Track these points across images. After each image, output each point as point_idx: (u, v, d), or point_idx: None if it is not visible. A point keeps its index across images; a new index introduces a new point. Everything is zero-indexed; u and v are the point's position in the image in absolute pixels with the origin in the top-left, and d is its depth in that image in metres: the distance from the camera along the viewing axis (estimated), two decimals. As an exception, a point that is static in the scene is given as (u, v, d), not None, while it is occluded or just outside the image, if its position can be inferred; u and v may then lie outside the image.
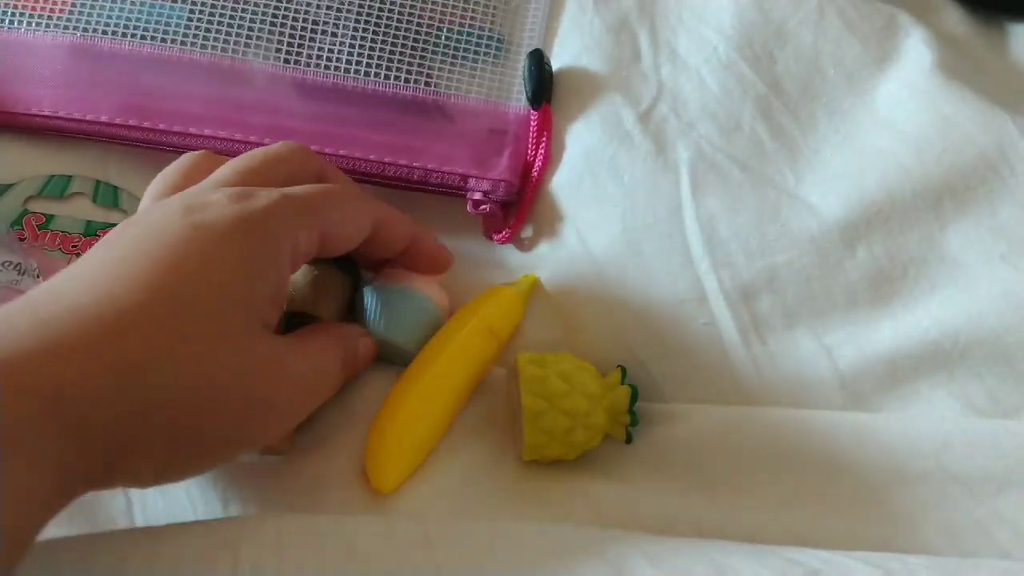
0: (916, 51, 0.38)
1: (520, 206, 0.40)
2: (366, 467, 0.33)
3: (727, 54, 0.39)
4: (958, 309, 0.34)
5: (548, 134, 0.40)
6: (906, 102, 0.37)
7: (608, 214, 0.38)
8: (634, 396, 0.34)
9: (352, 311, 0.37)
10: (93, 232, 0.40)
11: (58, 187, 0.41)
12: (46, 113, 0.40)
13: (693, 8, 0.41)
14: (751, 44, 0.39)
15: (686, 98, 0.39)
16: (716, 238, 0.36)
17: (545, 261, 0.39)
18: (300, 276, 0.36)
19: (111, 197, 0.41)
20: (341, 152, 0.40)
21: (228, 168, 0.33)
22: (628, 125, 0.38)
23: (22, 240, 0.39)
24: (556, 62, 0.41)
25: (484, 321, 0.36)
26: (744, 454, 0.34)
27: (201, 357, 0.27)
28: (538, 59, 0.40)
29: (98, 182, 0.41)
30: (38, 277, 0.38)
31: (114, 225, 0.39)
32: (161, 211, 0.30)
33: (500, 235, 0.40)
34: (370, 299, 0.36)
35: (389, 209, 0.35)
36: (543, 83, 0.40)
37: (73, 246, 0.39)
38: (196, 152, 0.34)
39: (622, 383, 0.35)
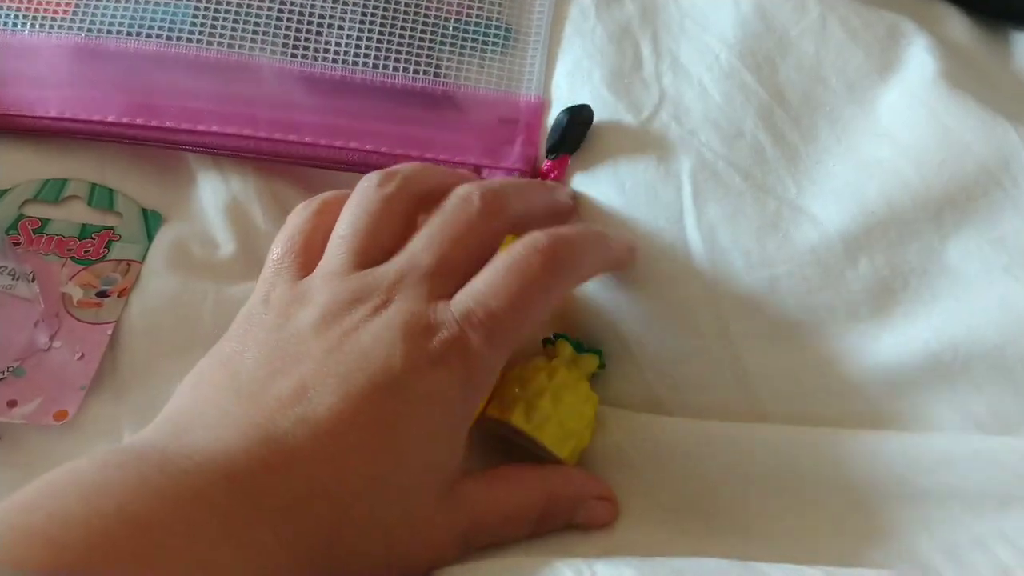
0: (919, 60, 0.38)
1: None
2: None
3: (729, 62, 0.39)
4: (959, 321, 0.34)
5: (558, 176, 0.39)
6: (907, 112, 0.37)
7: (609, 222, 0.38)
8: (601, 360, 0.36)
9: None
10: (88, 235, 0.40)
11: (54, 191, 0.40)
12: (52, 115, 0.40)
13: (695, 16, 0.40)
14: (753, 52, 0.39)
15: (688, 106, 0.38)
16: (717, 247, 0.36)
17: None
18: None
19: (107, 200, 0.40)
20: (351, 145, 0.39)
21: (425, 251, 0.32)
22: (629, 133, 0.38)
23: (17, 245, 0.39)
24: (559, 69, 0.41)
25: None
26: (740, 471, 0.34)
27: (393, 535, 0.28)
28: (572, 115, 0.39)
29: (93, 185, 0.41)
30: (32, 282, 0.38)
31: (110, 228, 0.39)
32: (384, 351, 0.29)
33: None
34: None
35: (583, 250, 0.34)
36: (566, 140, 0.39)
37: (68, 249, 0.39)
38: (323, 200, 0.34)
39: (579, 352, 0.35)
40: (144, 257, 0.39)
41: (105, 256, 0.39)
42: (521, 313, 0.31)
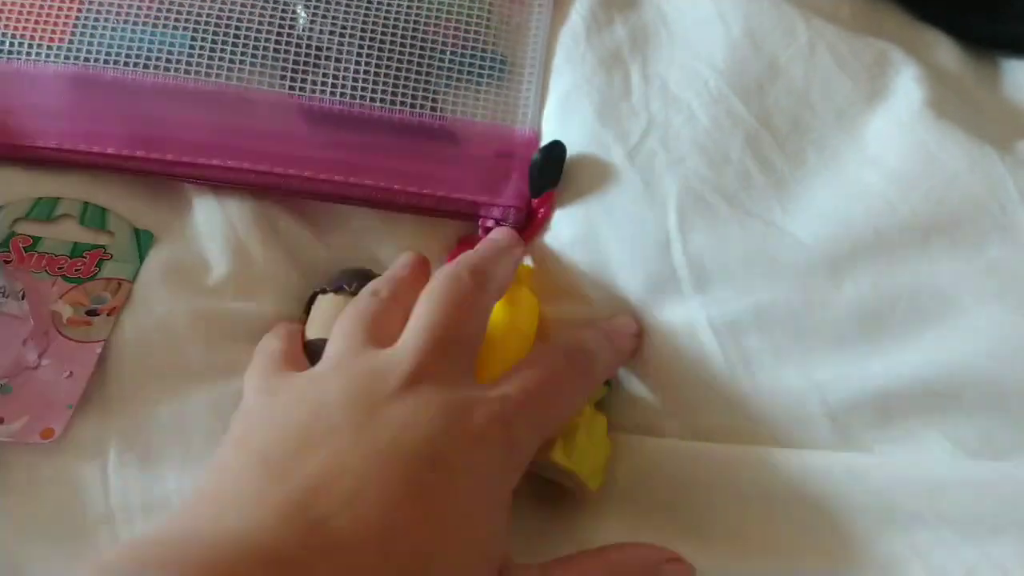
0: (906, 89, 0.38)
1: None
2: None
3: (718, 87, 0.39)
4: (949, 348, 0.34)
5: (547, 211, 0.40)
6: (894, 140, 0.37)
7: (597, 250, 0.38)
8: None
9: None
10: (80, 253, 0.40)
11: (45, 209, 0.40)
12: (52, 146, 0.40)
13: (686, 42, 0.41)
14: (742, 77, 0.39)
15: (676, 132, 0.38)
16: (704, 274, 0.36)
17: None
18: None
19: (99, 219, 0.40)
20: (351, 180, 0.40)
21: (429, 337, 0.31)
22: (617, 161, 0.38)
23: (8, 263, 0.39)
24: (550, 100, 0.41)
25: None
26: (732, 493, 0.34)
27: None
28: (545, 154, 0.39)
29: (86, 204, 0.41)
30: (23, 299, 0.38)
31: (101, 247, 0.39)
32: (425, 428, 0.29)
33: None
34: None
35: (600, 363, 0.35)
36: (544, 178, 0.39)
37: (59, 268, 0.39)
38: (380, 293, 0.34)
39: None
40: (135, 276, 0.39)
41: (96, 275, 0.39)
42: (553, 401, 0.32)
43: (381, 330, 0.32)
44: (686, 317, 0.36)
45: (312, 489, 0.26)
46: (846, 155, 0.37)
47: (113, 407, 0.36)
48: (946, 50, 0.43)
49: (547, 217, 0.39)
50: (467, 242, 0.40)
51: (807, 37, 0.40)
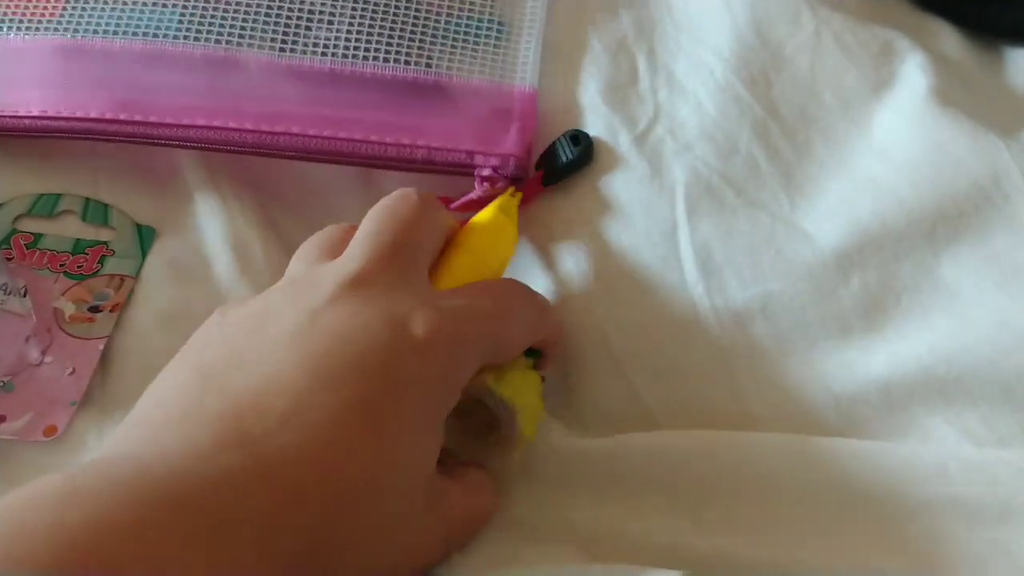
0: (912, 77, 0.38)
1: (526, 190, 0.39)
2: None
3: (724, 77, 0.39)
4: (952, 337, 0.34)
5: (536, 195, 0.39)
6: (900, 129, 0.37)
7: (602, 235, 0.38)
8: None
9: None
10: (82, 250, 0.39)
11: (47, 206, 0.40)
12: (35, 114, 0.39)
13: (691, 31, 0.40)
14: (748, 66, 0.39)
15: (683, 120, 0.38)
16: (711, 263, 0.36)
17: (536, 274, 0.38)
18: None
19: (101, 215, 0.40)
20: (340, 135, 0.38)
21: (375, 246, 0.30)
22: (624, 147, 0.38)
23: (9, 260, 0.39)
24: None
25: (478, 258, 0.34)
26: (735, 480, 0.33)
27: (389, 539, 0.27)
28: (587, 150, 0.38)
29: (87, 200, 0.40)
30: (25, 296, 0.38)
31: (103, 243, 0.39)
32: (365, 335, 0.27)
33: None
34: None
35: (550, 311, 0.34)
36: (566, 168, 0.39)
37: (61, 264, 0.39)
38: (343, 223, 0.33)
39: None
40: (138, 273, 0.39)
41: (98, 271, 0.39)
42: (502, 324, 0.31)
43: (335, 249, 0.31)
44: (690, 306, 0.36)
45: (248, 407, 0.25)
46: (853, 145, 0.37)
47: (116, 403, 0.36)
48: (950, 38, 0.43)
49: (535, 195, 0.39)
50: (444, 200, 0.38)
51: (813, 26, 0.39)
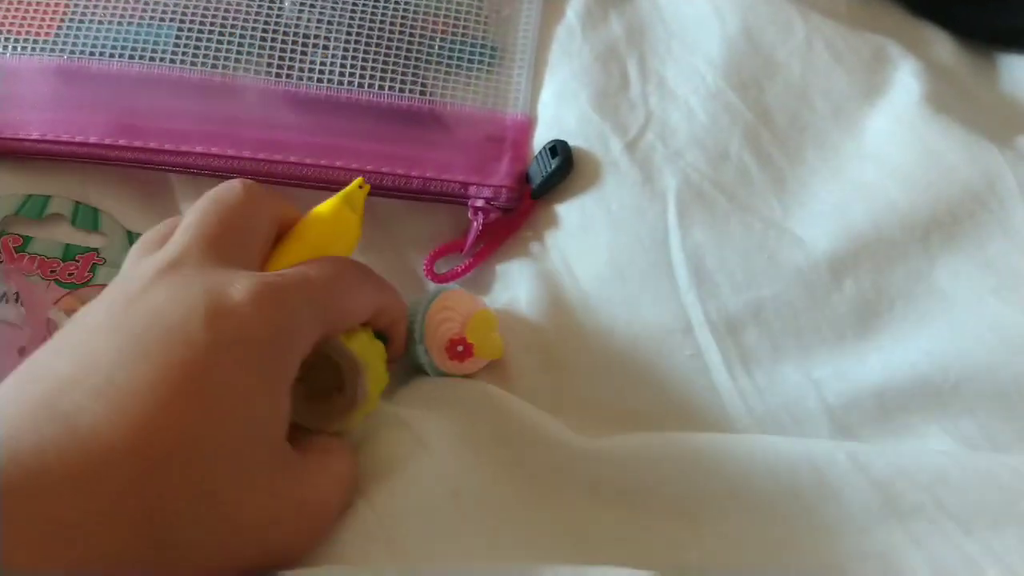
0: (904, 84, 0.38)
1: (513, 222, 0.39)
2: None
3: (715, 83, 0.39)
4: (948, 343, 0.34)
5: (529, 208, 0.39)
6: (893, 135, 0.37)
7: (594, 242, 0.38)
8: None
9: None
10: (72, 256, 0.39)
11: (36, 207, 0.40)
12: (34, 137, 0.39)
13: (682, 37, 0.40)
14: (739, 73, 0.39)
15: (674, 127, 0.38)
16: (702, 269, 0.36)
17: (528, 280, 0.38)
18: None
19: (91, 220, 0.40)
20: (337, 164, 0.39)
21: (198, 233, 0.30)
22: (615, 153, 0.38)
23: (-1, 263, 0.38)
24: (546, 89, 0.41)
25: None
26: (728, 482, 0.33)
27: (227, 505, 0.25)
28: (566, 159, 0.39)
29: (77, 204, 0.40)
30: (18, 302, 0.37)
31: (94, 251, 0.39)
32: (181, 307, 0.27)
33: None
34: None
35: (389, 289, 0.34)
36: (549, 180, 0.39)
37: (52, 271, 0.39)
38: (169, 221, 0.33)
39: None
40: (128, 279, 0.38)
41: (90, 280, 0.39)
42: (336, 289, 0.30)
43: (161, 244, 0.31)
44: (682, 312, 0.36)
45: (60, 387, 0.25)
46: (845, 151, 0.37)
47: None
48: (943, 45, 0.43)
49: (529, 211, 0.39)
50: (454, 246, 0.40)
51: (804, 33, 0.39)
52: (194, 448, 0.25)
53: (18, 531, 0.22)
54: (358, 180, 0.35)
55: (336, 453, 0.30)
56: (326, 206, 0.34)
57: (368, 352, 0.32)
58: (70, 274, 0.39)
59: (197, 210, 0.31)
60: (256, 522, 0.26)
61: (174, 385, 0.25)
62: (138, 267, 0.29)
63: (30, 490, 0.23)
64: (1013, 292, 0.34)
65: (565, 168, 0.38)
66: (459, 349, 0.36)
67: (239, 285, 0.27)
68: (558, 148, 0.39)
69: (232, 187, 0.32)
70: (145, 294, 0.27)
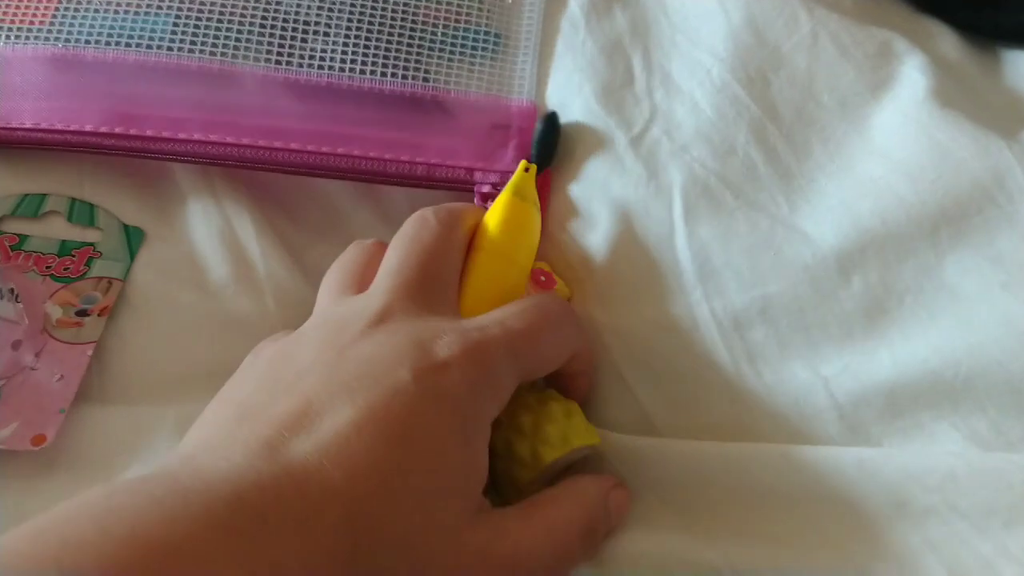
0: (910, 79, 0.38)
1: None
2: None
3: (721, 76, 0.38)
4: (958, 339, 0.33)
5: (546, 193, 0.39)
6: (900, 130, 0.36)
7: (598, 239, 0.37)
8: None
9: None
10: (68, 251, 0.39)
11: (32, 206, 0.39)
12: (27, 126, 0.39)
13: (686, 31, 0.40)
14: (745, 67, 0.39)
15: (680, 121, 0.38)
16: (708, 266, 0.35)
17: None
18: None
19: (87, 215, 0.39)
20: (339, 150, 0.38)
21: (400, 281, 0.32)
22: (620, 149, 0.38)
23: (-6, 262, 0.38)
24: (551, 82, 0.41)
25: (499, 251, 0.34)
26: (741, 491, 0.33)
27: (418, 553, 0.27)
28: (551, 123, 0.39)
29: (73, 200, 0.40)
30: (15, 299, 0.37)
31: (90, 245, 0.38)
32: (390, 357, 0.28)
33: None
34: None
35: (585, 334, 0.35)
36: (550, 150, 0.39)
37: (47, 267, 0.38)
38: (365, 242, 0.35)
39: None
40: (126, 275, 0.38)
41: (85, 274, 0.38)
42: (538, 338, 0.31)
43: (362, 278, 0.33)
44: (688, 310, 0.35)
45: (279, 428, 0.26)
46: (852, 146, 0.37)
47: (107, 410, 0.35)
48: (947, 40, 0.43)
49: (544, 199, 0.39)
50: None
51: (810, 26, 0.39)
52: (393, 494, 0.26)
53: (239, 572, 0.23)
54: (523, 164, 0.36)
55: (549, 506, 0.31)
56: (498, 206, 0.35)
57: (572, 427, 0.32)
58: (65, 268, 0.38)
59: (397, 251, 0.33)
60: (442, 568, 0.27)
61: (379, 429, 0.27)
62: (343, 315, 0.31)
63: (252, 533, 0.24)
64: (1022, 286, 0.33)
65: (551, 129, 0.38)
66: (542, 279, 0.36)
67: (444, 341, 0.29)
68: (545, 119, 0.39)
69: (426, 222, 0.34)
70: (357, 343, 0.29)
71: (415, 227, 0.34)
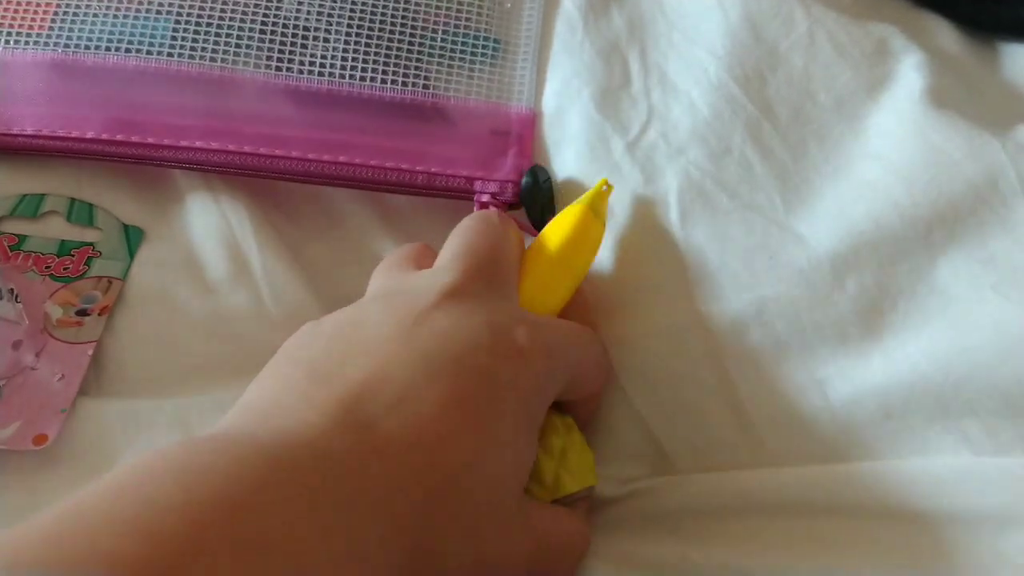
0: (907, 78, 0.38)
1: None
2: None
3: (718, 75, 0.38)
4: (949, 341, 0.33)
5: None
6: (895, 131, 0.36)
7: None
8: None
9: None
10: (67, 251, 0.39)
11: (31, 206, 0.39)
12: (28, 132, 0.39)
13: (684, 29, 0.40)
14: (742, 65, 0.38)
15: (676, 122, 0.38)
16: (705, 270, 0.36)
17: None
18: None
19: (86, 215, 0.40)
20: (340, 159, 0.39)
21: (472, 263, 0.32)
22: (617, 156, 0.38)
23: (-6, 263, 0.38)
24: (548, 86, 0.41)
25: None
26: (754, 515, 0.33)
27: (484, 543, 0.27)
28: (537, 178, 0.39)
29: (72, 200, 0.40)
30: (15, 299, 0.37)
31: (90, 244, 0.39)
32: (468, 336, 0.28)
33: None
34: None
35: (612, 372, 0.35)
36: (545, 207, 0.39)
37: (47, 267, 0.38)
38: (416, 245, 0.35)
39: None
40: (126, 275, 0.38)
41: (85, 273, 0.38)
42: (586, 353, 0.33)
43: (418, 262, 0.33)
44: (685, 314, 0.36)
45: (358, 394, 0.26)
46: (847, 147, 0.37)
47: (107, 410, 0.35)
48: (946, 35, 0.43)
49: None
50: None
51: (807, 25, 0.39)
52: (469, 480, 0.26)
53: (324, 543, 0.23)
54: (602, 181, 0.36)
55: (568, 515, 0.32)
56: (570, 214, 0.35)
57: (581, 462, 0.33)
58: (65, 268, 0.38)
59: (462, 237, 0.33)
60: (496, 555, 0.27)
61: (463, 413, 0.27)
62: (410, 283, 0.31)
63: (337, 504, 0.23)
64: (1015, 289, 0.33)
65: (534, 185, 0.39)
66: None
67: (521, 330, 0.29)
68: (533, 172, 0.39)
69: (490, 218, 0.34)
70: (432, 314, 0.29)
71: (478, 220, 0.34)
